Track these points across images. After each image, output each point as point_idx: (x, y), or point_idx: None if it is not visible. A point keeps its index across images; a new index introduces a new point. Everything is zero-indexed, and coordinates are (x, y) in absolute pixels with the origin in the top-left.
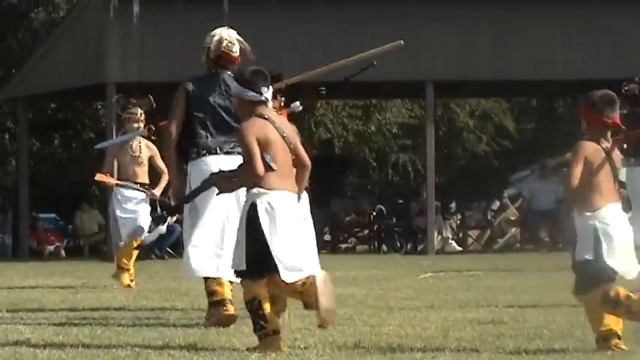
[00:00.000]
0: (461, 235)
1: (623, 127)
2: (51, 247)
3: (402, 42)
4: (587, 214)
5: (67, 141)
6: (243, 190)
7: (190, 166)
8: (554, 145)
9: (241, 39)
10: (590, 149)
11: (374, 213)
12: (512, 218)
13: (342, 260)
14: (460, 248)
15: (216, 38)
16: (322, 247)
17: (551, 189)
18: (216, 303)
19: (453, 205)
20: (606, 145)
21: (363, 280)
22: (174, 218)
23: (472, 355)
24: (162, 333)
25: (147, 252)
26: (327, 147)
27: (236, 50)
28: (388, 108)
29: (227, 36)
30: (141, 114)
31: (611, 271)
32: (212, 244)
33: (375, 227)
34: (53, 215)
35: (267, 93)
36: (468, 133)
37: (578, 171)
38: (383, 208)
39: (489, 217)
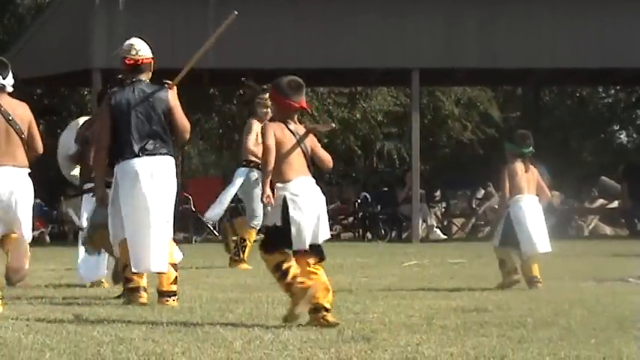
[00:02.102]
0: (445, 223)
1: (309, 110)
2: (35, 233)
3: (235, 13)
4: (279, 185)
5: (52, 127)
6: (162, 186)
7: (117, 168)
8: (539, 133)
9: (141, 47)
10: (277, 128)
11: (359, 200)
12: (497, 207)
13: (327, 247)
14: (445, 236)
15: (123, 45)
16: None
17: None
18: (132, 289)
19: (438, 193)
20: (295, 126)
21: (347, 268)
22: None
23: (456, 343)
24: (146, 319)
25: None
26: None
27: (136, 54)
28: (374, 95)
29: (131, 42)
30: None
31: (291, 241)
32: (146, 239)
33: (360, 215)
34: (38, 201)
35: (6, 80)
36: (453, 121)
37: (271, 148)
38: (367, 196)
39: (474, 206)
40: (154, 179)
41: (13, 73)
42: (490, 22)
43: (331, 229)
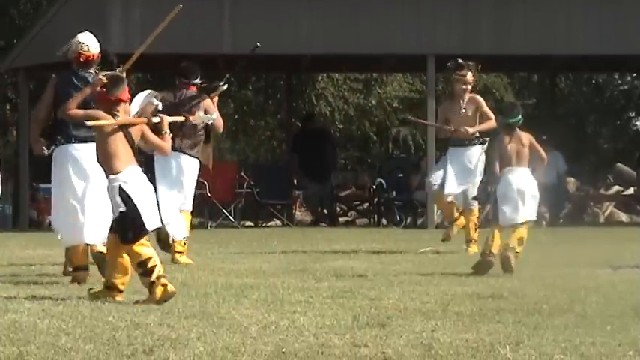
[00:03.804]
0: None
1: (125, 100)
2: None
3: (180, 5)
4: (112, 177)
5: None
6: (94, 172)
7: (55, 153)
8: (555, 120)
9: (92, 42)
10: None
11: (374, 187)
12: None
13: (342, 233)
14: None
15: (73, 41)
16: (322, 220)
17: (552, 164)
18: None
19: None
20: (123, 117)
21: (362, 254)
22: None
23: (471, 329)
24: (162, 304)
25: None
26: (310, 121)
27: (88, 51)
28: (389, 82)
29: (82, 39)
30: (470, 76)
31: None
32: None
33: (375, 201)
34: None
35: None
36: None
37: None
38: (383, 182)
39: (489, 192)
40: (86, 165)
41: None
42: (506, 8)
43: (346, 215)
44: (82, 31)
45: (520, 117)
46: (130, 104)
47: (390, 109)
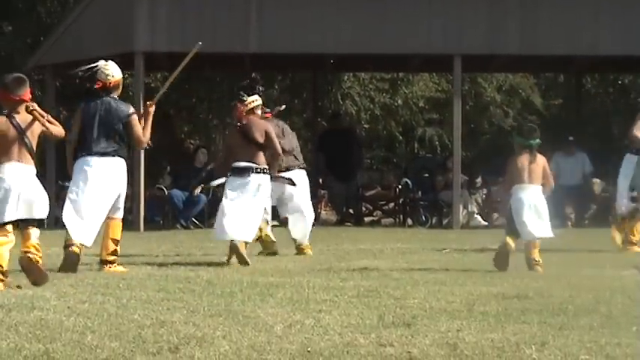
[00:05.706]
0: (486, 209)
1: (28, 100)
2: None
3: (200, 43)
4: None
5: None
6: (107, 180)
7: (77, 161)
8: (581, 120)
9: (113, 71)
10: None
11: (399, 186)
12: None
13: (367, 233)
14: (486, 223)
15: (99, 69)
16: (348, 219)
17: (578, 164)
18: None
19: (479, 179)
20: (20, 117)
21: (388, 253)
22: (199, 189)
23: (497, 329)
24: (187, 302)
25: (172, 222)
26: (337, 120)
27: (113, 77)
28: (415, 82)
29: (106, 68)
30: None
31: None
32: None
33: (401, 201)
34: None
35: None
36: (495, 107)
37: None
38: (408, 182)
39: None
40: (102, 174)
41: None
42: (532, 9)
43: (372, 215)
44: (106, 59)
45: (539, 140)
46: (31, 104)
47: (416, 108)
